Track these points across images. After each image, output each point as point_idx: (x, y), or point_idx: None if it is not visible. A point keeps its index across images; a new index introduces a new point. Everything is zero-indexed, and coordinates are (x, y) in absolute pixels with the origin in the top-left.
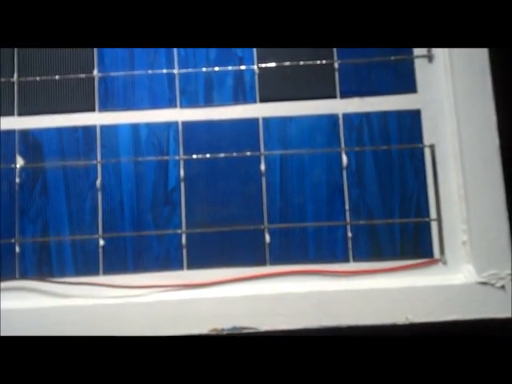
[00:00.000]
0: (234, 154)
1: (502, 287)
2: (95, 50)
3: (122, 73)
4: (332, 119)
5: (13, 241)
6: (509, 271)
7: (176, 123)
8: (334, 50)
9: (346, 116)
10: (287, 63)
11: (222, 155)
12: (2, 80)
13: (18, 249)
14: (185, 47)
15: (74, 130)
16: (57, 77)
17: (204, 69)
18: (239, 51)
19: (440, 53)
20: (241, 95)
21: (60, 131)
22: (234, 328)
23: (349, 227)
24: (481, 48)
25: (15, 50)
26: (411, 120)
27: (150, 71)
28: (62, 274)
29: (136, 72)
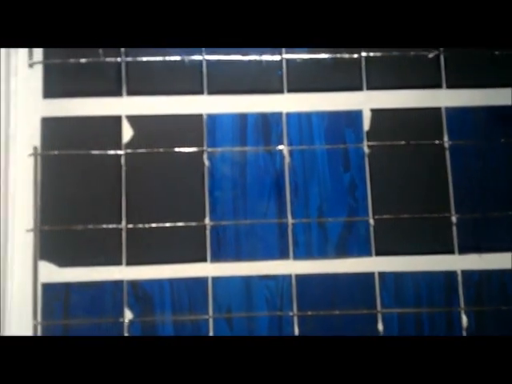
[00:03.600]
0: (350, 312)
1: None
2: (206, 197)
3: (233, 221)
4: (450, 276)
5: None
6: None
7: (289, 276)
8: (452, 201)
9: (465, 273)
10: (404, 215)
11: (337, 312)
12: (110, 226)
13: None
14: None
15: (185, 281)
16: (167, 224)
17: (317, 219)
18: (353, 202)
19: None
20: (355, 247)
21: (171, 283)
22: None
23: None
24: None
25: (123, 195)
26: None
27: (262, 220)
28: None
29: (248, 221)
